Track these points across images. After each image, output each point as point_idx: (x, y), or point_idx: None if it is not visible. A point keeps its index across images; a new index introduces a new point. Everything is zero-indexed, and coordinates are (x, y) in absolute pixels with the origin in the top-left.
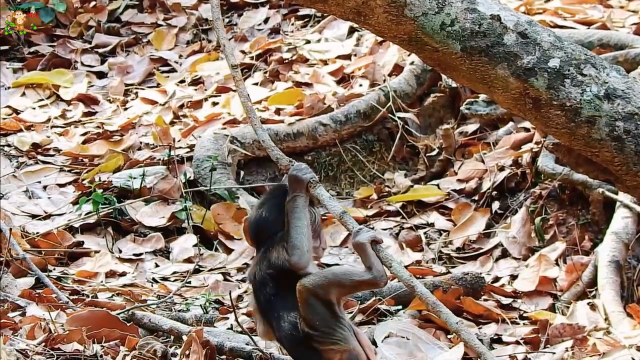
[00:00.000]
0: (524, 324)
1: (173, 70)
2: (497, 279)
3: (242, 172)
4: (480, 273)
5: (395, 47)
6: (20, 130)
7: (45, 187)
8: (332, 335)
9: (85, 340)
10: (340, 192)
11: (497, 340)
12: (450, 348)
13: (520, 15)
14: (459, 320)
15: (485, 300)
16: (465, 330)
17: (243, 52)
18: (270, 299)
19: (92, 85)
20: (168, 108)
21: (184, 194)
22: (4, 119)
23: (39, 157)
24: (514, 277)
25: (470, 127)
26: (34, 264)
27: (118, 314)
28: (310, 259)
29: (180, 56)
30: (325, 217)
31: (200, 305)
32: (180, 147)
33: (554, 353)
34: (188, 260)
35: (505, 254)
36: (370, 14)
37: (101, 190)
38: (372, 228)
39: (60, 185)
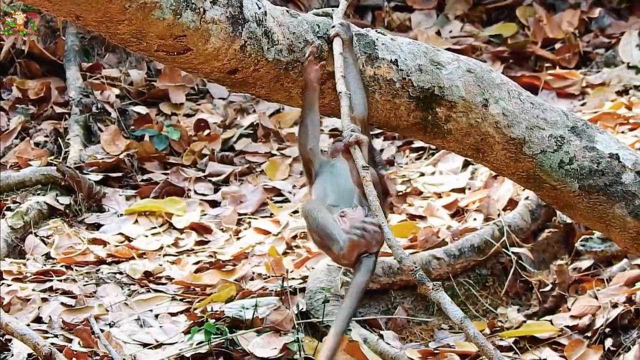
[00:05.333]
0: None
1: (286, 200)
2: None
3: None
4: None
5: (509, 181)
6: (133, 258)
7: (156, 316)
8: None
9: None
10: (452, 326)
11: None
12: None
13: (639, 154)
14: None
15: None
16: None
17: None
18: None
19: (205, 214)
20: (281, 238)
21: (297, 326)
22: (116, 246)
23: (151, 285)
24: None
25: (584, 263)
26: None
27: None
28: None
29: (294, 186)
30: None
31: None
32: (293, 278)
33: None
34: None
35: None
36: (489, 150)
37: (213, 320)
38: None
39: (172, 314)
